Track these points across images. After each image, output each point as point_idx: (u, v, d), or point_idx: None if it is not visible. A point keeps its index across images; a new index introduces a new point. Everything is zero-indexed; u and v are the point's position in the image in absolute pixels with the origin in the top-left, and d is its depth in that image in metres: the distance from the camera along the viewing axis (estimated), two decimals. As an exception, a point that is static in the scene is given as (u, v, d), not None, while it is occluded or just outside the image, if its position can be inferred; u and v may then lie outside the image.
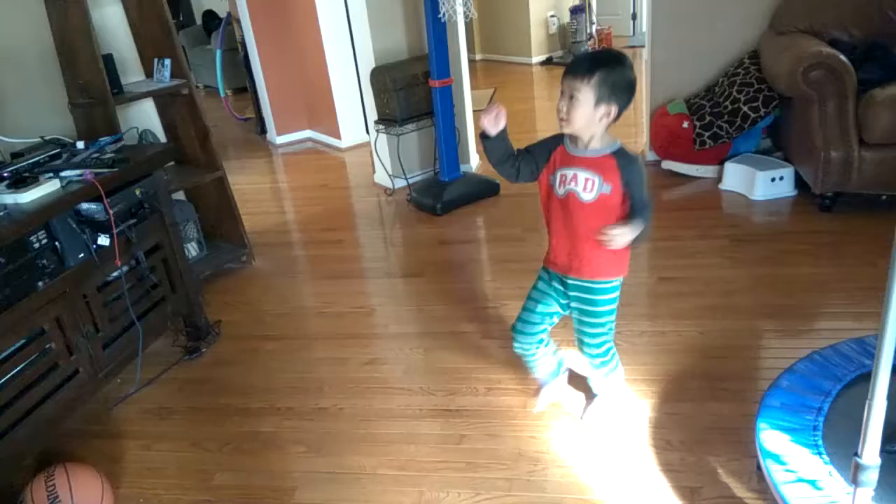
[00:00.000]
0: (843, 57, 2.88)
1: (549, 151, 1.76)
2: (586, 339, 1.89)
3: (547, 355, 2.05)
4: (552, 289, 1.90)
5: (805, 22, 3.39)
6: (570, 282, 1.83)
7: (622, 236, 1.63)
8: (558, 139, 1.75)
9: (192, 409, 2.34)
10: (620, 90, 1.60)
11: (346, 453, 2.02)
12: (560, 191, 1.73)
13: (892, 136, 2.84)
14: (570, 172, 1.70)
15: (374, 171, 4.41)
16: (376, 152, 4.17)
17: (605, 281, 1.80)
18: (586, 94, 1.59)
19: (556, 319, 1.96)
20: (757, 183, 3.35)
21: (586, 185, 1.68)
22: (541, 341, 1.99)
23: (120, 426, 2.30)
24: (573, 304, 1.87)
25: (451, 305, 2.78)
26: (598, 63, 1.59)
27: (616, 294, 1.84)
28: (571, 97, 1.61)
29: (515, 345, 2.01)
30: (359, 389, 2.32)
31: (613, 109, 1.61)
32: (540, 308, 1.93)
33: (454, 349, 2.48)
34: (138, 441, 2.20)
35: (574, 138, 1.70)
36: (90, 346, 2.16)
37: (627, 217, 1.67)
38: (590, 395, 2.07)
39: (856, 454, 1.27)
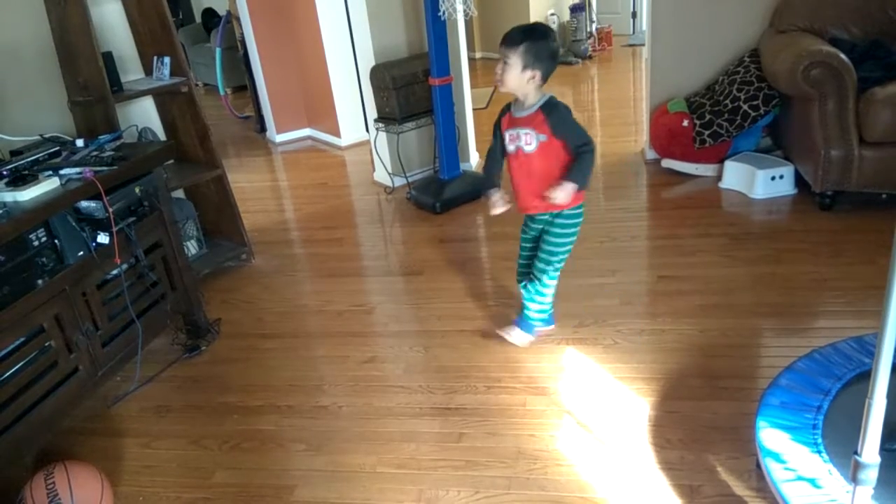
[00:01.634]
0: (843, 55, 2.88)
1: (498, 126, 2.19)
2: (540, 263, 2.25)
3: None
4: (529, 229, 2.30)
5: (805, 20, 3.39)
6: (536, 217, 2.23)
7: (563, 192, 2.02)
8: (504, 111, 2.17)
9: (192, 407, 2.34)
10: (543, 58, 1.99)
11: (345, 451, 2.03)
12: (511, 147, 2.14)
13: (892, 134, 2.84)
14: (514, 132, 2.11)
15: (373, 170, 4.40)
16: (376, 150, 4.17)
17: (563, 212, 2.16)
18: (515, 60, 1.99)
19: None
20: (757, 181, 3.35)
21: (526, 140, 2.08)
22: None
23: (119, 424, 2.30)
24: (539, 236, 2.26)
25: (451, 304, 2.78)
26: (525, 35, 1.99)
27: (575, 221, 2.20)
28: (504, 63, 2.01)
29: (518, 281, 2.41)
30: (358, 387, 2.32)
31: (538, 74, 2.00)
32: (524, 252, 2.36)
33: (454, 347, 2.48)
34: (138, 439, 2.20)
35: (517, 102, 2.11)
36: (89, 343, 2.17)
37: (568, 164, 2.06)
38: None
39: (855, 452, 1.27)
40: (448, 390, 2.24)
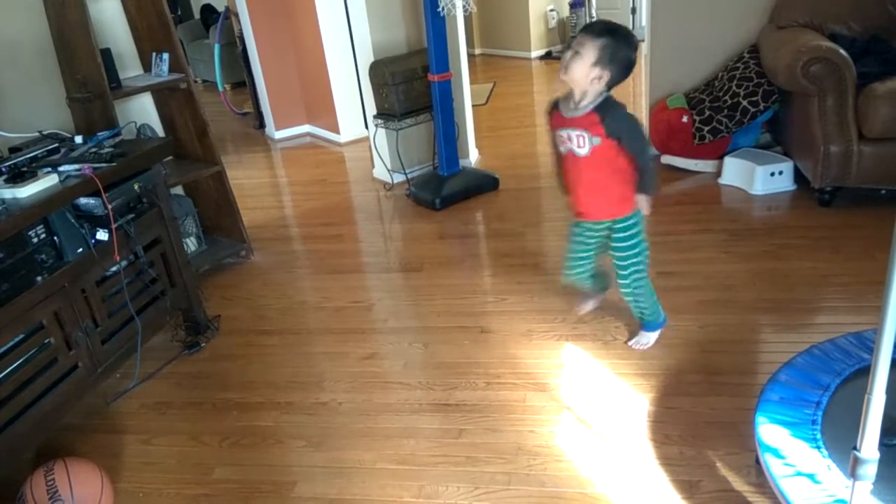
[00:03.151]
0: (842, 51, 2.88)
1: (549, 122, 2.03)
2: (619, 272, 2.16)
3: (595, 280, 2.38)
4: (582, 236, 2.18)
5: (805, 16, 3.38)
6: (592, 226, 2.12)
7: (643, 203, 1.99)
8: (552, 106, 2.00)
9: (192, 404, 2.34)
10: (618, 62, 1.81)
11: (345, 448, 2.03)
12: (562, 149, 1.99)
13: (892, 130, 2.84)
14: (564, 133, 1.95)
15: (372, 166, 4.40)
16: (375, 147, 4.16)
17: (620, 220, 2.06)
18: (589, 50, 1.82)
19: (593, 257, 2.25)
20: (756, 177, 3.35)
21: (579, 142, 1.92)
22: (588, 274, 2.30)
23: (119, 421, 2.30)
24: (603, 244, 2.16)
25: (451, 300, 2.78)
26: (610, 32, 1.83)
27: (636, 229, 2.08)
28: (577, 52, 1.84)
29: (565, 278, 2.34)
30: (358, 384, 2.32)
31: (606, 75, 1.82)
32: (578, 254, 2.23)
33: (453, 344, 2.48)
34: (137, 436, 2.20)
35: (567, 99, 1.93)
36: (89, 340, 2.17)
37: (628, 172, 1.95)
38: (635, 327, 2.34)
39: (854, 448, 1.27)
40: (447, 386, 2.24)
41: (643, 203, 2.00)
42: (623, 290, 2.21)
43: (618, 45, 1.82)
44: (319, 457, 2.01)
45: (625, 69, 1.84)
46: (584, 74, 1.84)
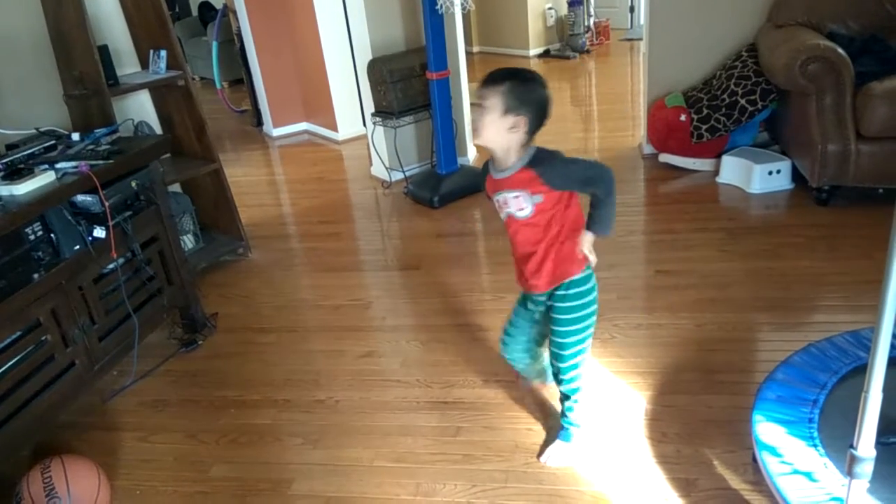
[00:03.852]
0: (840, 50, 2.88)
1: (485, 189, 1.74)
2: (557, 351, 1.77)
3: (533, 366, 2.00)
4: (527, 309, 1.83)
5: (803, 15, 3.38)
6: (539, 296, 1.75)
7: (587, 242, 1.66)
8: (485, 168, 1.73)
9: (189, 402, 2.34)
10: (531, 102, 1.57)
11: (342, 445, 2.03)
12: (502, 215, 1.70)
13: (889, 129, 2.84)
14: (501, 198, 1.66)
15: (371, 164, 4.40)
16: (373, 145, 4.16)
17: (573, 280, 1.70)
18: (494, 102, 1.56)
19: (535, 333, 1.88)
20: (754, 176, 3.35)
21: (518, 205, 1.63)
22: (528, 355, 1.92)
23: (116, 418, 2.29)
24: (545, 317, 1.79)
25: (448, 298, 2.78)
26: (511, 74, 1.58)
27: (590, 295, 1.73)
28: (482, 106, 1.58)
29: (501, 351, 1.97)
30: (355, 382, 2.32)
31: (522, 122, 1.56)
32: (518, 327, 1.87)
33: (451, 342, 2.48)
34: (134, 433, 2.20)
35: (495, 161, 1.66)
36: (86, 338, 2.16)
37: (591, 207, 1.66)
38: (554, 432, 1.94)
39: (851, 446, 1.27)
40: (445, 384, 2.24)
41: (587, 242, 1.65)
42: (556, 378, 1.83)
43: (524, 84, 1.57)
44: (317, 454, 2.01)
45: (540, 110, 1.58)
46: (498, 128, 1.57)
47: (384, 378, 2.33)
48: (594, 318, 1.75)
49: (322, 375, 2.38)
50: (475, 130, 1.61)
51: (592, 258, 1.68)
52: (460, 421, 2.06)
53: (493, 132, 1.58)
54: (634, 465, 1.81)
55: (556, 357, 1.78)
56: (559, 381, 1.83)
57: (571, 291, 1.70)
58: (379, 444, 2.01)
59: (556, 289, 1.70)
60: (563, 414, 1.89)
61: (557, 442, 1.88)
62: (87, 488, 1.80)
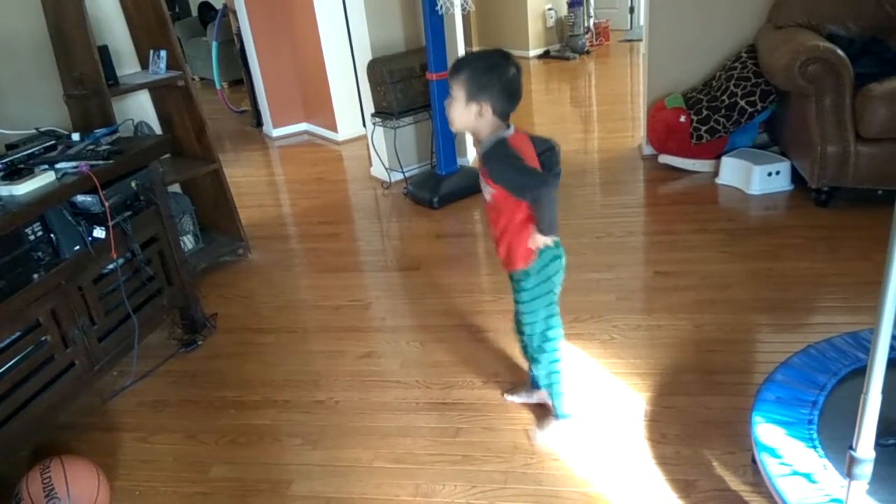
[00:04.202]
0: (840, 51, 2.88)
1: None
2: (526, 338, 1.90)
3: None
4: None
5: (803, 16, 3.39)
6: (510, 275, 1.86)
7: (536, 240, 1.71)
8: None
9: (188, 402, 2.34)
10: (492, 85, 1.60)
11: (342, 446, 2.03)
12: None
13: (889, 130, 2.84)
14: (482, 176, 1.75)
15: (370, 165, 4.40)
16: (373, 145, 4.16)
17: (517, 272, 1.81)
18: (457, 90, 1.63)
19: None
20: (753, 177, 3.35)
21: (484, 187, 1.74)
22: (520, 334, 1.97)
23: (116, 419, 2.29)
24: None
25: (448, 299, 2.78)
26: (468, 62, 1.64)
27: (531, 292, 1.81)
28: (449, 97, 1.66)
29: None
30: (355, 382, 2.32)
31: (485, 105, 1.61)
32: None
33: (450, 343, 2.48)
34: (134, 434, 2.20)
35: (476, 143, 1.74)
36: (86, 338, 2.16)
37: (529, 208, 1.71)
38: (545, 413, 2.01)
39: (850, 447, 1.27)
40: (445, 385, 2.24)
41: (537, 240, 1.71)
42: (530, 356, 1.95)
43: (482, 69, 1.61)
44: (316, 455, 2.01)
45: (503, 90, 1.61)
46: (465, 116, 1.64)
47: (384, 379, 2.33)
48: (547, 305, 1.83)
49: (322, 376, 2.38)
50: (448, 120, 1.70)
51: (535, 245, 1.72)
52: (460, 422, 2.06)
53: (462, 120, 1.66)
54: (634, 467, 1.81)
55: (527, 339, 1.91)
56: (532, 362, 1.95)
57: (516, 280, 1.83)
58: (378, 445, 2.01)
59: (512, 273, 1.83)
60: (553, 406, 1.97)
61: (550, 420, 1.97)
62: (86, 489, 1.80)
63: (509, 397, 2.12)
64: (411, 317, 2.72)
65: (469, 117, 1.64)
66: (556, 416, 1.96)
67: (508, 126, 1.70)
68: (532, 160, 1.72)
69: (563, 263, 1.84)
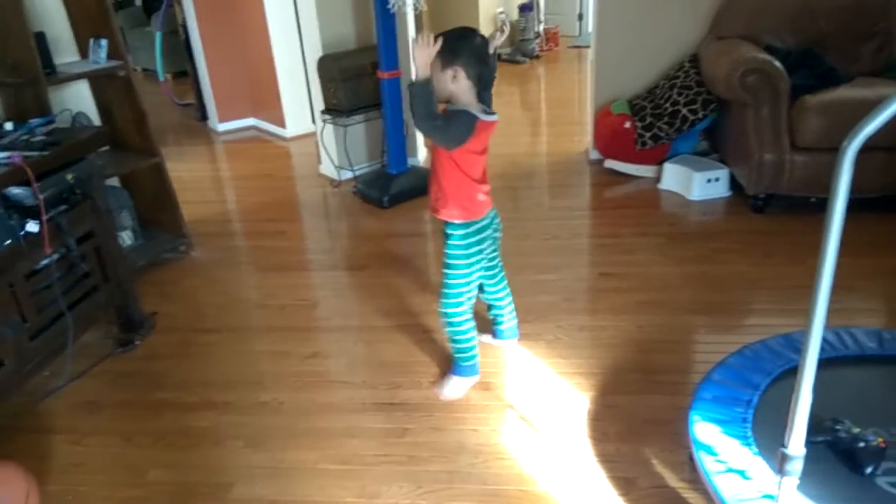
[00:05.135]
0: (777, 63, 3.00)
1: None
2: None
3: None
4: None
5: (743, 28, 3.51)
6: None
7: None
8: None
9: (125, 404, 2.26)
10: (460, 52, 1.81)
11: (286, 448, 2.00)
12: None
13: (822, 140, 2.97)
14: None
15: (319, 162, 4.34)
16: (322, 143, 4.11)
17: (447, 223, 2.01)
18: (435, 61, 1.80)
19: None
20: (694, 183, 3.45)
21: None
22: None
23: (48, 421, 2.20)
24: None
25: (396, 299, 2.77)
26: (443, 34, 1.81)
27: (455, 247, 2.01)
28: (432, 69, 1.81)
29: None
30: (300, 383, 2.29)
31: (459, 71, 1.82)
32: None
33: (398, 343, 2.47)
34: (67, 436, 2.12)
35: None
36: (16, 337, 2.07)
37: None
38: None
39: (782, 445, 1.32)
40: (392, 385, 2.23)
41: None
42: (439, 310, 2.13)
43: (453, 41, 1.80)
44: (258, 457, 1.97)
45: (472, 56, 1.81)
46: (442, 82, 1.83)
47: (330, 379, 2.30)
48: (459, 277, 2.04)
49: (266, 377, 2.34)
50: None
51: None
52: (406, 422, 2.06)
53: (441, 85, 1.84)
54: (577, 465, 1.84)
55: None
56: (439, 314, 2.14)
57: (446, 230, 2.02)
58: (323, 447, 1.99)
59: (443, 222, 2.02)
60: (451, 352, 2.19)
61: (450, 376, 2.17)
62: (14, 493, 1.72)
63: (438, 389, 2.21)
64: (359, 316, 2.69)
65: (446, 83, 1.83)
66: (456, 370, 2.17)
67: (489, 113, 1.90)
68: (481, 143, 1.92)
69: (487, 234, 2.04)
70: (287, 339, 2.56)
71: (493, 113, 1.92)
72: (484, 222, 2.01)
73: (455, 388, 2.15)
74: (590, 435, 1.94)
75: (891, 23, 3.41)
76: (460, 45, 1.81)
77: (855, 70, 3.36)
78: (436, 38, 1.77)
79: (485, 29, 7.63)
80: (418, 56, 1.76)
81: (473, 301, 2.12)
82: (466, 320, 2.10)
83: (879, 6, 3.41)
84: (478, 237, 2.01)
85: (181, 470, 1.95)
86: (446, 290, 2.07)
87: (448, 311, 2.09)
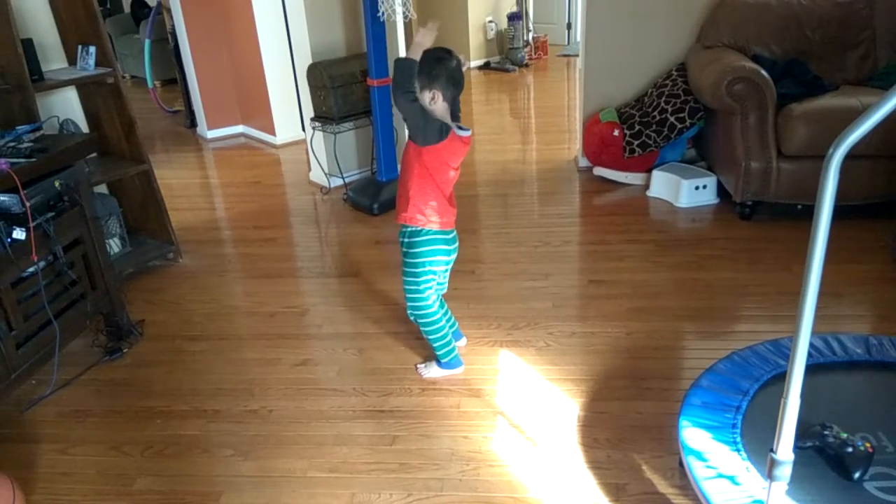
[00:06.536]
0: (764, 72, 3.03)
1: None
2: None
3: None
4: None
5: (730, 37, 3.54)
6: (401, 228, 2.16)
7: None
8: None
9: (112, 412, 2.24)
10: (435, 76, 1.94)
11: (275, 456, 1.98)
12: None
13: (808, 148, 3.00)
14: None
15: (309, 169, 4.34)
16: (312, 150, 4.11)
17: (407, 227, 2.11)
18: (416, 83, 1.95)
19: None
20: (682, 191, 3.48)
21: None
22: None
23: (34, 429, 2.18)
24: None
25: (386, 306, 2.77)
26: (420, 60, 1.95)
27: (416, 254, 2.11)
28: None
29: None
30: (290, 391, 2.28)
31: (436, 93, 1.95)
32: None
33: (388, 350, 2.46)
34: (54, 445, 2.10)
35: None
36: (2, 344, 2.05)
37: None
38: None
39: (771, 450, 1.33)
40: (382, 393, 2.23)
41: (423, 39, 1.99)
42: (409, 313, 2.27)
43: (429, 66, 1.94)
44: (247, 466, 1.96)
45: (446, 79, 1.94)
46: (426, 102, 1.96)
47: (320, 387, 2.30)
48: (423, 282, 2.14)
49: (255, 385, 2.33)
50: None
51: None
52: (396, 430, 2.05)
53: (426, 105, 1.97)
54: (567, 471, 1.84)
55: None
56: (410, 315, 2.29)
57: (406, 236, 2.13)
58: (313, 455, 1.98)
59: (403, 226, 2.12)
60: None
61: (432, 362, 2.30)
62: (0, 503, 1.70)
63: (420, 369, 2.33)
64: (349, 324, 2.69)
65: (427, 103, 1.96)
66: (438, 363, 2.29)
67: (463, 128, 2.02)
68: (455, 157, 2.04)
69: (448, 252, 2.16)
70: (276, 346, 2.55)
71: (466, 129, 2.04)
72: (448, 236, 2.14)
73: (437, 372, 2.29)
74: (580, 441, 1.95)
75: (875, 32, 3.46)
76: (439, 68, 1.94)
77: (840, 79, 3.41)
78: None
79: (474, 38, 7.68)
80: (425, 41, 1.95)
81: (442, 293, 2.27)
82: (435, 312, 2.20)
83: (864, 16, 3.46)
84: (435, 247, 2.12)
85: (169, 479, 1.93)
86: (410, 294, 2.18)
87: (418, 311, 2.20)
